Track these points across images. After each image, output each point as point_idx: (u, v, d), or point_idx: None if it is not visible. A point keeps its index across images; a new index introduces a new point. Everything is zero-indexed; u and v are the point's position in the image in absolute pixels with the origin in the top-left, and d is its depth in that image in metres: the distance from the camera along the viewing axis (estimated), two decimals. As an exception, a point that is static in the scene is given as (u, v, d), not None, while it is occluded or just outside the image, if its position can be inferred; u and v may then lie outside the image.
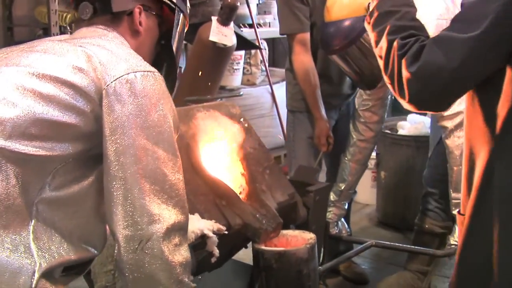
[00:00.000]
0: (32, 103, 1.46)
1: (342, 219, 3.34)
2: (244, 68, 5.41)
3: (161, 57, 1.82)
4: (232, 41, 3.34)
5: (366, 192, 4.48)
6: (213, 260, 2.27)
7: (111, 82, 1.52)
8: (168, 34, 1.89)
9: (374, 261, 3.83)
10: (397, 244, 3.32)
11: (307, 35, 3.20)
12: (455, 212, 2.86)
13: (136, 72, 1.55)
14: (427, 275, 3.32)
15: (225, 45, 3.28)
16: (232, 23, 3.34)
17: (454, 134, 2.73)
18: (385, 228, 4.34)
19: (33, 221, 1.47)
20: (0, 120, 1.44)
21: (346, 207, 3.36)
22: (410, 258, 3.35)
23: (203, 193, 2.13)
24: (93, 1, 1.79)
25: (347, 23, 2.75)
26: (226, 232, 2.15)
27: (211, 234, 2.15)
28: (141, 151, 1.51)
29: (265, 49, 5.54)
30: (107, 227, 1.62)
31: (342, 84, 3.38)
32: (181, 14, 1.91)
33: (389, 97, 3.28)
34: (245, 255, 2.94)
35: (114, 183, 1.52)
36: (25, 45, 1.71)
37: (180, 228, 1.56)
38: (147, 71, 1.57)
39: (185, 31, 1.98)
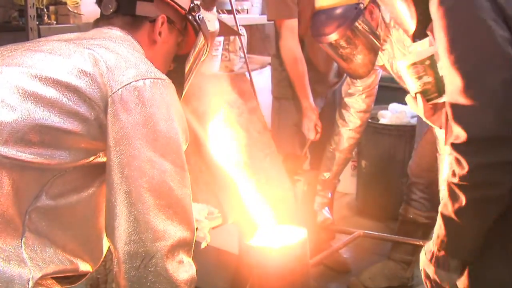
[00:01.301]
0: (32, 108, 1.39)
1: (326, 208, 3.31)
2: (222, 54, 5.34)
3: (170, 77, 1.75)
4: (215, 26, 3.27)
5: (346, 181, 4.45)
6: (203, 245, 2.23)
7: (118, 89, 1.44)
8: (184, 56, 1.82)
9: (356, 250, 3.81)
10: (385, 234, 3.31)
11: (295, 21, 3.16)
12: None
13: (145, 79, 1.48)
14: (411, 264, 3.32)
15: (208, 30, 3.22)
16: (215, 8, 3.29)
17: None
18: (365, 217, 4.33)
19: (25, 231, 1.39)
20: None
21: (329, 196, 3.33)
22: (394, 247, 3.34)
23: (206, 182, 2.08)
24: None
25: (338, 11, 2.71)
26: (219, 215, 2.11)
27: (202, 219, 2.10)
28: (146, 164, 1.44)
29: (244, 35, 5.47)
30: (105, 241, 1.56)
31: (328, 72, 3.35)
32: (203, 39, 1.84)
33: (376, 86, 3.26)
34: (225, 242, 2.90)
35: (118, 196, 1.44)
36: (31, 43, 1.63)
37: (185, 245, 1.49)
38: (157, 78, 1.50)
39: (202, 60, 1.91)
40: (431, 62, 1.98)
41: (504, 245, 1.53)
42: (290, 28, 3.18)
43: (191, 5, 1.81)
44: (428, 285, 1.67)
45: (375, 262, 3.44)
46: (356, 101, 3.19)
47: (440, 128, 2.08)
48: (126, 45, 1.61)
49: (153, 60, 1.67)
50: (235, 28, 5.09)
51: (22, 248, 1.38)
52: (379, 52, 2.81)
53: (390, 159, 4.19)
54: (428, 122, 2.12)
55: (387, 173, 4.22)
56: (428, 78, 2.01)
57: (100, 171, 1.49)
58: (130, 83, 1.46)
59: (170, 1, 1.76)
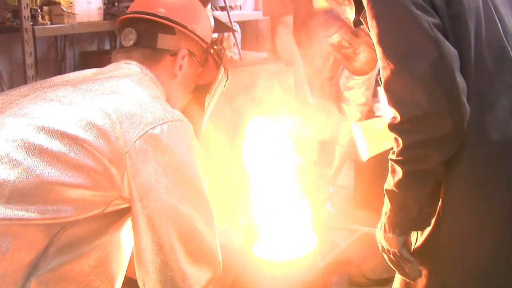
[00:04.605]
0: (37, 163, 1.35)
1: (329, 203, 3.33)
2: (217, 51, 5.35)
3: (190, 107, 1.75)
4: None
5: (344, 174, 4.46)
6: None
7: (135, 141, 1.42)
8: (204, 87, 1.82)
9: (357, 242, 3.81)
10: None
11: (290, 18, 3.19)
12: None
13: (163, 123, 1.45)
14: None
15: (203, 26, 3.23)
16: (209, 5, 3.31)
17: None
18: (363, 210, 4.33)
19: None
20: None
21: (332, 190, 3.35)
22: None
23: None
24: (139, 30, 1.69)
25: None
26: None
27: None
28: (173, 212, 1.44)
29: (238, 32, 5.48)
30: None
31: (324, 67, 3.36)
32: (224, 72, 1.84)
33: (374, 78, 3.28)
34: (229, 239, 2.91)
35: (149, 247, 1.44)
36: (43, 86, 1.57)
37: (213, 281, 1.52)
38: (174, 121, 1.48)
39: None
40: None
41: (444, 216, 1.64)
42: (286, 24, 3.20)
43: (213, 37, 1.81)
44: (387, 258, 1.80)
45: (376, 254, 3.43)
46: (356, 94, 3.21)
47: None
48: (142, 84, 1.57)
49: (172, 94, 1.67)
50: (228, 24, 5.11)
51: None
52: None
53: (387, 150, 4.19)
54: None
55: (384, 165, 4.22)
56: None
57: (114, 219, 1.48)
58: (146, 131, 1.43)
59: (193, 35, 1.74)
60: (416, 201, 1.62)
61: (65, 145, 1.38)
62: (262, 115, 2.50)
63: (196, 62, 1.76)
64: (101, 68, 1.69)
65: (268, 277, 2.30)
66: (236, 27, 5.45)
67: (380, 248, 1.81)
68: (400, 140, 1.54)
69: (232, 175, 2.35)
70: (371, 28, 1.57)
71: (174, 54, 1.71)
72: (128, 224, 1.53)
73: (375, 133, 2.38)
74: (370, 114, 4.29)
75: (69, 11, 3.92)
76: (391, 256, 1.76)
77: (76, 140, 1.39)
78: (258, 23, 6.08)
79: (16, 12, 3.67)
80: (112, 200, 1.45)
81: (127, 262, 1.62)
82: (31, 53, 3.60)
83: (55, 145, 1.38)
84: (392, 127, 1.54)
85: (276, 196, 2.52)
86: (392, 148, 1.62)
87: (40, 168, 1.35)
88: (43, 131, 1.39)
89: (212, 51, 1.80)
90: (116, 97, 1.49)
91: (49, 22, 3.85)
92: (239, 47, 5.38)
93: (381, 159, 4.22)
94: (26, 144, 1.37)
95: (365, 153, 2.17)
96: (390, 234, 1.70)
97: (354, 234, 3.20)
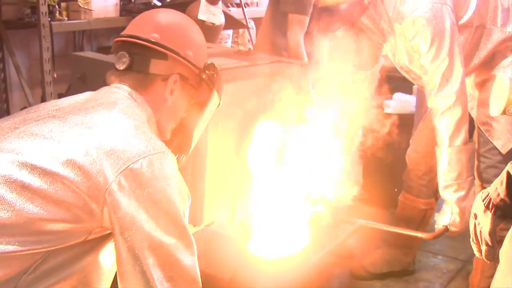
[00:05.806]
0: (17, 198, 1.40)
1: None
2: (231, 47, 5.44)
3: (179, 128, 1.78)
4: (220, 19, 3.41)
5: (353, 169, 4.52)
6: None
7: (116, 177, 1.45)
8: (197, 105, 1.84)
9: (359, 236, 3.85)
10: (386, 225, 3.27)
11: (306, 18, 3.33)
12: (443, 194, 2.85)
13: (144, 157, 1.49)
14: (411, 249, 3.39)
15: (213, 23, 3.35)
16: (220, 2, 3.40)
17: (444, 114, 2.73)
18: (371, 205, 4.37)
19: None
20: None
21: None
22: (395, 233, 3.39)
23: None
24: (132, 54, 1.71)
25: (343, 7, 2.79)
26: None
27: None
28: (154, 243, 1.48)
29: (253, 28, 5.56)
30: None
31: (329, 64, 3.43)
32: (216, 96, 1.86)
33: (378, 73, 3.31)
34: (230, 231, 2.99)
35: (134, 276, 1.49)
36: (34, 116, 1.61)
37: None
38: (155, 153, 1.52)
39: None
40: None
41: None
42: (301, 22, 3.34)
43: (206, 62, 1.82)
44: (472, 228, 1.74)
45: (377, 248, 3.50)
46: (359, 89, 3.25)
47: None
48: (128, 113, 1.61)
49: (162, 117, 1.72)
50: (243, 21, 5.19)
51: None
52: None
53: (395, 147, 4.25)
54: None
55: (392, 161, 4.28)
56: None
57: (95, 243, 1.53)
58: (127, 166, 1.47)
59: (185, 61, 1.75)
60: None
61: (46, 182, 1.42)
62: (273, 119, 2.54)
63: (188, 85, 1.79)
64: (94, 93, 1.74)
65: (266, 274, 2.35)
66: (251, 23, 5.53)
67: (472, 215, 1.74)
68: None
69: (234, 171, 2.41)
70: None
71: (165, 78, 1.73)
72: (109, 246, 1.59)
73: None
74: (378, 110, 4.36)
75: (86, 7, 4.05)
76: (477, 232, 1.71)
77: (56, 176, 1.43)
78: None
79: (35, 8, 3.80)
80: (94, 229, 1.51)
81: (109, 278, 1.68)
82: (48, 48, 3.73)
83: (36, 181, 1.42)
84: None
85: (276, 194, 2.57)
86: None
87: (19, 204, 1.40)
88: (25, 167, 1.43)
89: (204, 76, 1.81)
90: (100, 132, 1.52)
91: (66, 18, 3.97)
92: (254, 43, 5.47)
93: (387, 156, 4.28)
94: (9, 180, 1.41)
95: (498, 108, 2.08)
96: (490, 213, 1.66)
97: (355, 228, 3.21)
